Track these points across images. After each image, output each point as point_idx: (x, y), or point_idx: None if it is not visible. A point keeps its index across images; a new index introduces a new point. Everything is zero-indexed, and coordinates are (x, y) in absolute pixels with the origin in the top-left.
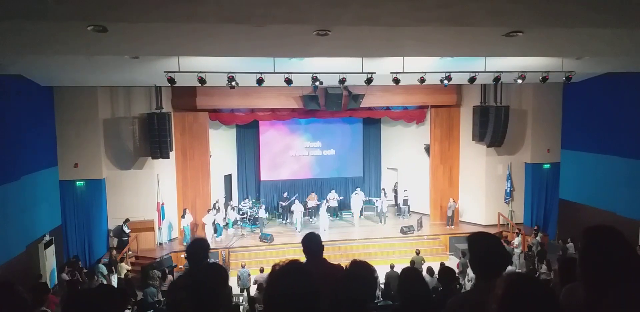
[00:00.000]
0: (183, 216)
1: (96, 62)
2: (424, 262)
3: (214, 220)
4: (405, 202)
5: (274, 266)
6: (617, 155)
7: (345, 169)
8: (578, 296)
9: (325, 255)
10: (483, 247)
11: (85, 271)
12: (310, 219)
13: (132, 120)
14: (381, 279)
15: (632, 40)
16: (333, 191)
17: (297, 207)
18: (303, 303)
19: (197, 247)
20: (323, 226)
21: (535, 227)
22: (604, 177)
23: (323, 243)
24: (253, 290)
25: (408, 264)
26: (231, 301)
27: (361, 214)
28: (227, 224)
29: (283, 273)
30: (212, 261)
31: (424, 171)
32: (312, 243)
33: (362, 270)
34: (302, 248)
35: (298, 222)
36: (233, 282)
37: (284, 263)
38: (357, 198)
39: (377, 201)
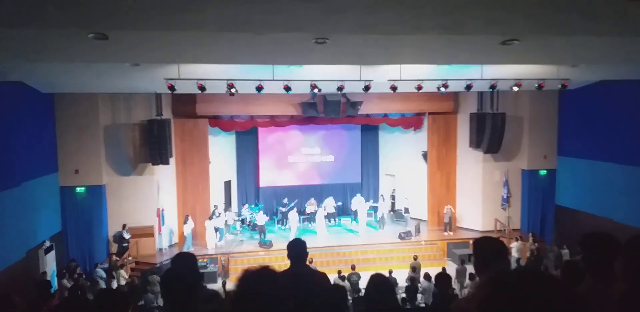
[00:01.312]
0: (186, 222)
1: (97, 69)
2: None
3: (216, 226)
4: (407, 210)
5: (244, 271)
6: (613, 161)
7: (344, 175)
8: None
9: (323, 260)
10: (488, 250)
11: (84, 276)
12: (309, 225)
13: (132, 126)
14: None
15: (627, 49)
16: (331, 198)
17: (293, 217)
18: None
19: (183, 261)
20: (320, 231)
21: (531, 234)
22: (600, 184)
23: (321, 248)
24: None
25: (407, 270)
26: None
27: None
28: (227, 225)
29: (252, 277)
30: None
31: (422, 177)
32: (296, 249)
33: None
34: (309, 250)
35: (293, 232)
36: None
37: (254, 268)
38: (362, 205)
39: (380, 204)
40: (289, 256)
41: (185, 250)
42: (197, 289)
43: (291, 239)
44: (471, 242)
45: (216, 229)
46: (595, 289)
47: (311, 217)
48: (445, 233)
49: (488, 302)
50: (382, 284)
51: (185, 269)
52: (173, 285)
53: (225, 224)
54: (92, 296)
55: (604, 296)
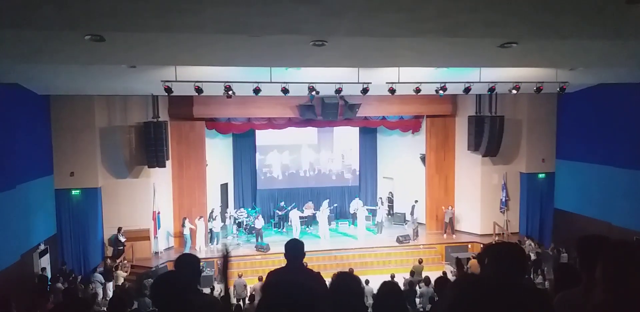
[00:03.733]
0: (183, 225)
1: (93, 71)
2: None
3: (211, 228)
4: (412, 211)
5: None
6: (612, 165)
7: (342, 178)
8: (588, 300)
9: (320, 264)
10: (509, 258)
11: (78, 279)
12: (307, 228)
13: (129, 129)
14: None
15: (625, 52)
16: (326, 200)
17: (295, 214)
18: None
19: (185, 264)
20: (323, 234)
21: (529, 238)
22: (599, 187)
23: (317, 252)
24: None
25: (407, 274)
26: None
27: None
28: (224, 228)
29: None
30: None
31: (420, 180)
32: (294, 249)
33: (349, 281)
34: (307, 253)
35: (296, 230)
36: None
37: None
38: (361, 209)
39: (378, 209)
40: (286, 256)
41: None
42: (189, 295)
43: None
44: (483, 247)
45: (211, 233)
46: (588, 293)
47: (309, 221)
48: (445, 235)
49: (454, 306)
50: (392, 292)
51: (179, 274)
52: (163, 290)
53: (222, 227)
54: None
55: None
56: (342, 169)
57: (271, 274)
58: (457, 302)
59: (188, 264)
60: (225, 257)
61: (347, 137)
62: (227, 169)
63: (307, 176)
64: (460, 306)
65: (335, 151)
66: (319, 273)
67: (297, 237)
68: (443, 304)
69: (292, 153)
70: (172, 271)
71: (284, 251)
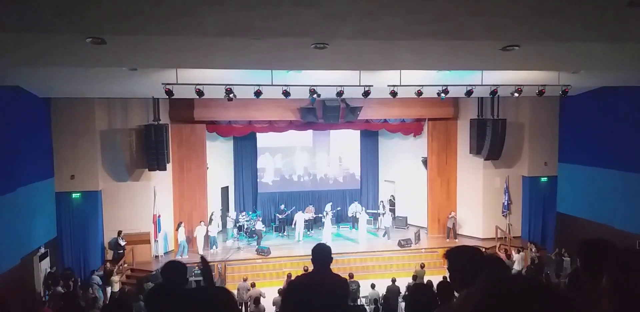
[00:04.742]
0: (177, 229)
1: (94, 74)
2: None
3: (207, 232)
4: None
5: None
6: (614, 168)
7: (343, 182)
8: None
9: None
10: (466, 259)
11: (79, 283)
12: (308, 232)
13: (129, 132)
14: (382, 292)
15: (628, 55)
16: (330, 204)
17: (300, 216)
18: None
19: (172, 270)
20: (325, 237)
21: (532, 243)
22: (601, 191)
23: None
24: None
25: (409, 278)
26: None
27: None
28: (224, 231)
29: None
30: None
31: (422, 183)
32: (322, 254)
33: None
34: (309, 257)
35: (299, 233)
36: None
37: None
38: (362, 213)
39: (383, 213)
40: (313, 261)
41: (178, 257)
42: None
43: (297, 241)
44: (443, 254)
45: (210, 237)
46: (591, 297)
47: (309, 224)
48: (447, 240)
49: (481, 309)
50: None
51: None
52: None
53: (221, 231)
54: (84, 303)
55: (596, 305)
56: (340, 172)
57: (297, 278)
58: (486, 300)
59: (174, 270)
60: (204, 263)
61: (343, 139)
62: (228, 172)
63: (302, 181)
64: (488, 303)
65: (331, 154)
66: (345, 279)
67: (300, 241)
68: (468, 301)
69: (285, 156)
70: (161, 282)
71: (311, 255)
